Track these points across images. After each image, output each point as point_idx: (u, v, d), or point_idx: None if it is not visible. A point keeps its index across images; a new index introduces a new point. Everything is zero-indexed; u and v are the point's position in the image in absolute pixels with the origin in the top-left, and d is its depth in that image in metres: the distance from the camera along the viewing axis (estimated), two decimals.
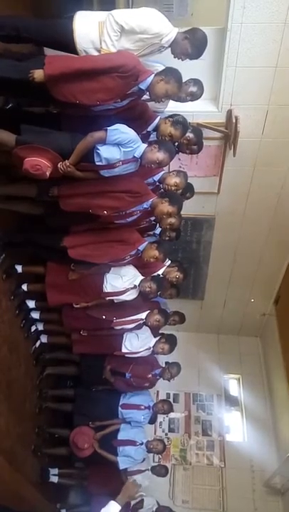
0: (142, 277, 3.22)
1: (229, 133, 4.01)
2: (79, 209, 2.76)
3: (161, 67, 2.57)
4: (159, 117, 2.77)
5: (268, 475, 5.30)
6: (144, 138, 2.77)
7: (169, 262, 3.64)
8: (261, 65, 3.65)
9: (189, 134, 3.03)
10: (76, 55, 2.44)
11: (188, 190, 3.35)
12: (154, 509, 3.89)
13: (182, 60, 2.55)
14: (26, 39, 2.45)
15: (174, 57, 2.55)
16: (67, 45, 2.40)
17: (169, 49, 2.58)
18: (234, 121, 3.85)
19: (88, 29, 2.38)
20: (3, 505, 2.60)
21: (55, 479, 4.03)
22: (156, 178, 3.02)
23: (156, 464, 4.01)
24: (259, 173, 4.45)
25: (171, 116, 2.74)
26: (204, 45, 2.51)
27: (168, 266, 3.54)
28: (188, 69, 2.80)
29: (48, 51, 2.72)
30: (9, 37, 2.42)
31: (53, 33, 2.42)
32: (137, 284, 3.20)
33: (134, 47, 2.41)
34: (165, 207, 2.82)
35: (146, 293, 3.22)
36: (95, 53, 2.40)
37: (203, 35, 2.49)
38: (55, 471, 4.05)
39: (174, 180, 2.94)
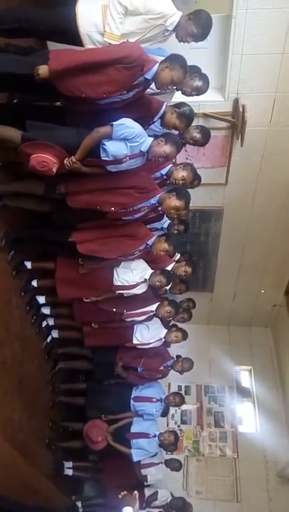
0: (152, 271, 3.21)
1: (236, 122, 3.95)
2: (86, 206, 2.75)
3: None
4: (165, 104, 2.73)
5: (281, 465, 5.30)
6: (148, 125, 2.73)
7: (179, 255, 3.62)
8: (267, 52, 3.58)
9: (196, 134, 2.97)
10: (80, 49, 2.41)
11: (195, 179, 3.31)
12: (168, 500, 3.92)
13: (188, 43, 2.49)
14: (29, 31, 2.41)
15: (179, 41, 2.49)
16: (70, 30, 2.35)
17: (171, 41, 2.54)
18: (241, 110, 3.79)
19: (91, 12, 2.34)
20: (17, 500, 2.62)
21: (69, 472, 4.08)
22: (164, 172, 2.99)
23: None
24: (267, 162, 4.40)
25: (178, 106, 2.69)
26: (209, 25, 2.45)
27: (176, 261, 3.53)
28: (194, 58, 2.75)
29: (52, 46, 2.69)
30: (11, 30, 2.38)
31: (56, 19, 2.37)
32: (147, 278, 3.19)
33: (138, 30, 2.37)
34: (173, 201, 2.79)
35: (156, 287, 3.22)
36: (99, 37, 2.36)
37: (207, 15, 2.43)
38: (70, 464, 4.10)
39: (181, 174, 2.90)
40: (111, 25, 2.31)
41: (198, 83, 2.76)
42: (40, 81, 2.19)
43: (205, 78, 2.79)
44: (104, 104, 2.37)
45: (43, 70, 2.18)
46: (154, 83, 2.40)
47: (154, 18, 2.36)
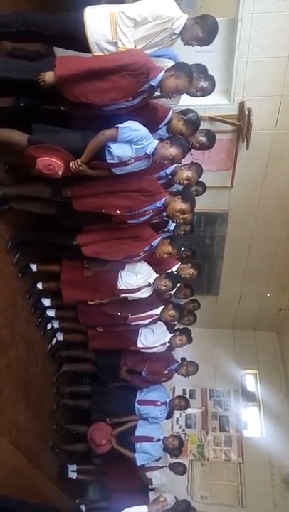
0: (157, 275, 3.21)
1: (242, 125, 3.95)
2: (92, 209, 2.75)
3: (171, 64, 2.53)
4: (171, 111, 2.73)
5: (287, 470, 5.26)
6: (154, 131, 2.73)
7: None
8: (273, 55, 3.59)
9: (202, 138, 2.98)
10: (86, 56, 2.41)
11: (198, 184, 3.31)
12: (172, 505, 3.89)
13: (193, 46, 2.49)
14: (35, 35, 2.40)
15: (185, 43, 2.49)
16: (78, 38, 2.35)
17: (176, 43, 2.55)
18: (247, 113, 3.80)
19: (100, 21, 2.34)
20: (21, 499, 2.62)
21: (73, 475, 4.07)
22: (169, 171, 3.00)
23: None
24: (273, 165, 4.39)
25: (184, 113, 2.69)
26: (215, 30, 2.45)
27: (181, 263, 3.52)
28: (200, 61, 2.77)
29: (58, 52, 2.70)
30: (18, 34, 2.38)
31: (64, 26, 2.37)
32: (152, 282, 3.19)
33: (146, 35, 2.37)
34: (178, 204, 2.79)
35: (161, 291, 3.21)
36: (107, 45, 2.37)
37: (214, 20, 2.44)
38: (74, 467, 4.08)
39: (186, 174, 2.90)
40: (124, 41, 2.32)
41: (203, 84, 2.76)
42: (45, 87, 2.20)
43: (211, 79, 2.79)
44: (109, 111, 2.38)
45: (48, 76, 2.19)
46: (159, 90, 2.41)
47: (161, 22, 2.36)
